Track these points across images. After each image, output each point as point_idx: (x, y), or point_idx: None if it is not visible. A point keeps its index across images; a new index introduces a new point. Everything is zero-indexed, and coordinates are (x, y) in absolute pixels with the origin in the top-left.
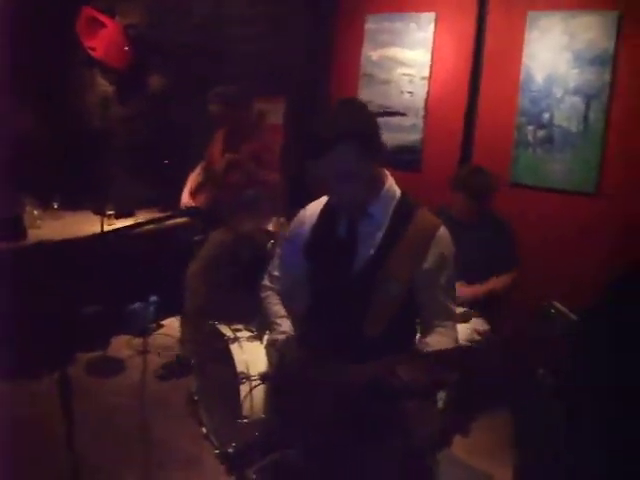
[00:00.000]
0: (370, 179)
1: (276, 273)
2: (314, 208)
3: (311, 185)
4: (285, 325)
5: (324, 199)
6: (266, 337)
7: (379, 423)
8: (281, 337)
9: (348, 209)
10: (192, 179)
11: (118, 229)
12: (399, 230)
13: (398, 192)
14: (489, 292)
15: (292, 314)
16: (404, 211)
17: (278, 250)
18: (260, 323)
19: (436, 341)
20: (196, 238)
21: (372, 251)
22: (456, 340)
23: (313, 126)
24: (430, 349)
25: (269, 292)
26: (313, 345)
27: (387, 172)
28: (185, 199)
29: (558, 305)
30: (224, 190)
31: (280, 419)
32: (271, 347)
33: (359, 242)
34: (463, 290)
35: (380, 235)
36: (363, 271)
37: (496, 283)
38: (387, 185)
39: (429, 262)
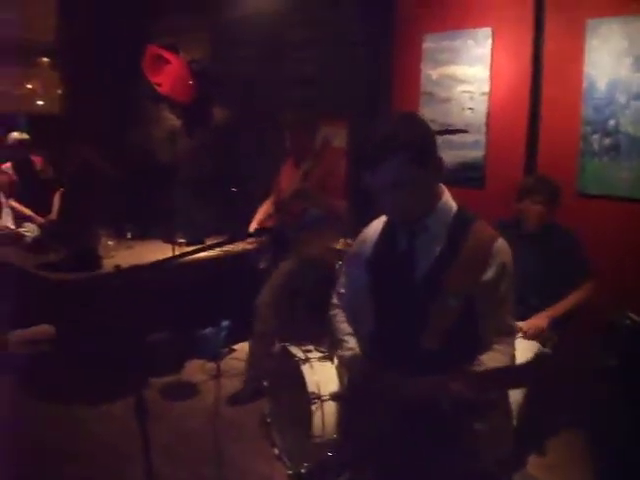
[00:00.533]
0: (426, 191)
1: (342, 291)
2: (376, 225)
3: (373, 199)
4: (352, 342)
5: (385, 217)
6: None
7: (447, 442)
8: (348, 354)
9: (403, 221)
10: (262, 210)
11: (187, 252)
12: (457, 243)
13: (455, 206)
14: (562, 314)
15: (357, 331)
16: (461, 224)
17: (343, 268)
18: (331, 343)
19: (490, 359)
20: (262, 265)
21: (430, 265)
22: (512, 357)
23: (370, 136)
24: (481, 367)
25: (337, 310)
26: (377, 360)
27: (444, 187)
28: (253, 227)
29: (633, 315)
30: (290, 215)
31: (351, 437)
32: (340, 364)
33: (418, 256)
34: (536, 319)
35: (438, 248)
36: (421, 284)
37: (569, 302)
38: (444, 199)
39: (487, 275)
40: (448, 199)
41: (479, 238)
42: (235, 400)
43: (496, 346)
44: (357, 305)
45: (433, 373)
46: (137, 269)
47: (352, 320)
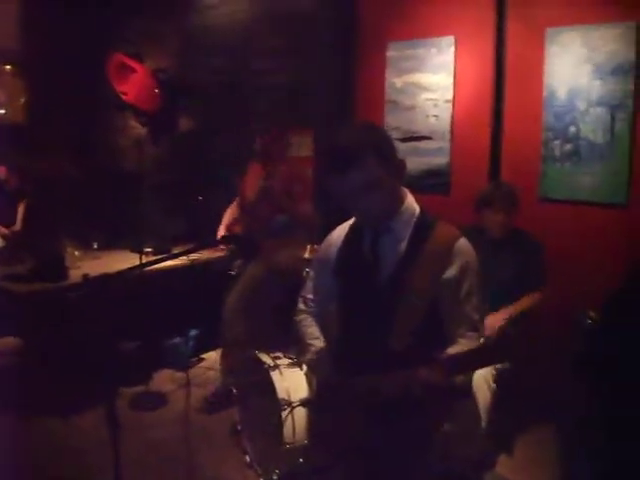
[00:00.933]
0: (392, 193)
1: (309, 296)
2: (341, 230)
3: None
4: (318, 346)
5: (351, 221)
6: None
7: (417, 444)
8: (314, 358)
9: (371, 223)
10: (228, 214)
11: (155, 260)
12: (420, 244)
13: (417, 208)
14: (519, 313)
15: (326, 334)
16: (424, 226)
17: (310, 273)
18: (299, 349)
19: (454, 350)
20: (232, 272)
21: (394, 266)
22: None
23: (335, 143)
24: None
25: (304, 315)
26: (346, 364)
27: (407, 190)
28: (221, 232)
29: (593, 314)
30: (257, 220)
31: (320, 442)
32: (307, 369)
33: (382, 258)
34: (492, 319)
35: (402, 249)
36: (387, 286)
37: (524, 303)
38: (407, 202)
39: (450, 273)
40: (411, 202)
41: (441, 238)
42: (205, 408)
43: (461, 340)
44: (325, 309)
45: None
46: (105, 278)
47: (320, 325)
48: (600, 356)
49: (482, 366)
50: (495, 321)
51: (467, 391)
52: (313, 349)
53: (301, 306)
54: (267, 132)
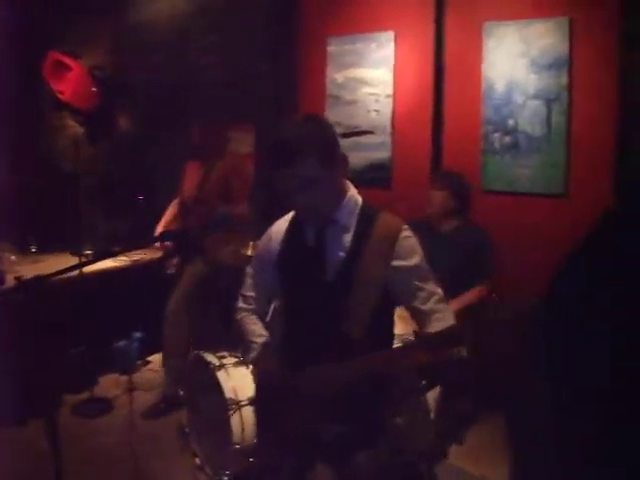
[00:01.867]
0: (334, 188)
1: (249, 293)
2: (280, 224)
3: (282, 200)
4: (262, 342)
5: (290, 215)
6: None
7: (367, 435)
8: (258, 355)
9: (314, 218)
10: (168, 212)
11: (91, 259)
12: (365, 233)
13: (360, 200)
14: (464, 306)
15: (270, 331)
16: (367, 215)
17: (249, 270)
18: (243, 348)
19: (434, 327)
20: (170, 271)
21: (342, 255)
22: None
23: (279, 139)
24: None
25: (244, 313)
26: (296, 358)
27: (349, 182)
28: (159, 230)
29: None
30: (194, 217)
31: (267, 437)
32: (252, 367)
33: (328, 249)
34: None
35: (348, 239)
36: (336, 276)
37: (470, 296)
38: (350, 193)
39: (399, 260)
40: (354, 193)
41: (386, 226)
42: (152, 413)
43: (436, 315)
44: (267, 306)
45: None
46: (39, 279)
47: (265, 321)
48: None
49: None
50: None
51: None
52: (256, 347)
53: (241, 304)
54: (204, 129)
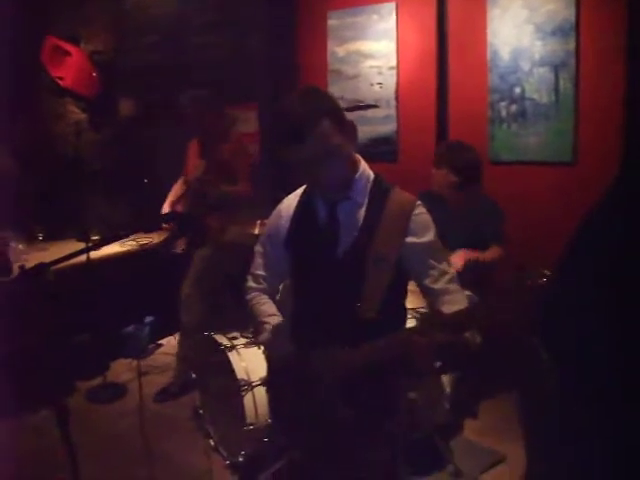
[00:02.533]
0: (348, 159)
1: (260, 272)
2: (290, 200)
3: (291, 178)
4: (274, 323)
5: (300, 191)
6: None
7: (381, 411)
8: (271, 336)
9: (331, 192)
10: (174, 191)
11: (95, 245)
12: (378, 209)
13: (372, 174)
14: (478, 261)
15: (282, 310)
16: (380, 191)
17: (258, 248)
18: (254, 328)
19: (448, 307)
20: (179, 250)
21: (356, 233)
22: (466, 301)
23: (282, 114)
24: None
25: (254, 293)
26: (309, 337)
27: (359, 156)
28: (165, 209)
29: (547, 272)
30: (199, 197)
31: (281, 419)
32: (264, 347)
33: (341, 226)
34: (455, 257)
35: (361, 216)
36: (350, 254)
37: (488, 254)
38: (361, 168)
39: (413, 236)
40: (365, 168)
41: (399, 202)
42: (165, 395)
43: (447, 297)
44: (278, 284)
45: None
46: (41, 268)
47: (274, 301)
48: (554, 317)
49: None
50: (455, 259)
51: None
52: (269, 327)
53: (251, 284)
54: (205, 108)
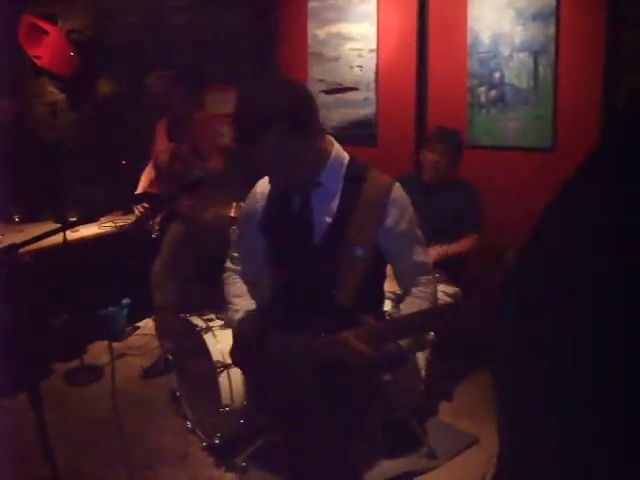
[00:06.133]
0: (312, 153)
1: (235, 254)
2: (264, 185)
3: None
4: (240, 303)
5: None
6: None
7: (353, 395)
8: (236, 316)
9: (296, 187)
10: (145, 175)
11: (63, 227)
12: (354, 194)
13: (346, 157)
14: (453, 253)
15: (256, 293)
16: (355, 174)
17: (236, 230)
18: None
19: (408, 306)
20: (154, 235)
21: (330, 219)
22: (432, 295)
23: (239, 110)
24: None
25: (229, 273)
26: (284, 321)
27: (332, 139)
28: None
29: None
30: (170, 179)
31: (255, 401)
32: (226, 327)
33: (315, 213)
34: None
35: (336, 202)
36: (325, 241)
37: (459, 246)
38: (334, 152)
39: (390, 221)
40: (339, 151)
41: (375, 186)
42: (150, 373)
43: (414, 290)
44: (252, 267)
45: (349, 328)
46: (13, 247)
47: (249, 282)
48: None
49: (419, 332)
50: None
51: (401, 360)
52: (233, 307)
53: (228, 264)
54: (169, 91)
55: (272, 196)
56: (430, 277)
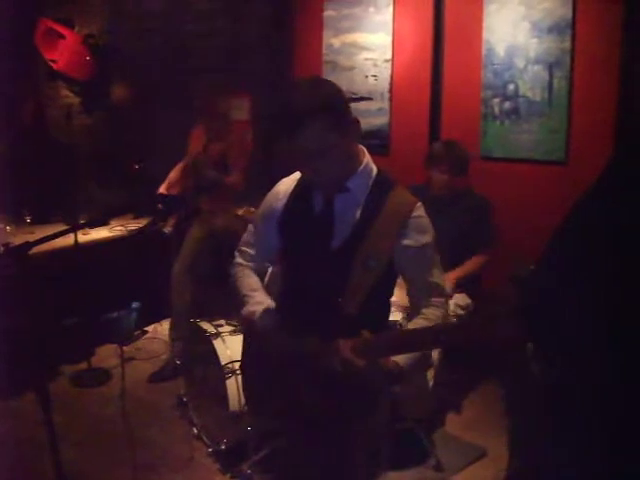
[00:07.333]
0: (346, 154)
1: (247, 249)
2: (288, 184)
3: (279, 169)
4: (260, 296)
5: (298, 174)
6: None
7: (359, 406)
8: (258, 308)
9: (325, 186)
10: (172, 175)
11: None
12: (377, 206)
13: (375, 169)
14: (466, 276)
15: (268, 289)
16: (381, 188)
17: (250, 227)
18: (236, 302)
19: (414, 325)
20: (166, 230)
21: (350, 228)
22: (440, 318)
23: (279, 104)
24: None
25: (241, 267)
26: (291, 321)
27: (364, 149)
28: (161, 191)
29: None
30: (193, 179)
31: (257, 404)
32: (248, 320)
33: (336, 218)
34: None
35: (358, 211)
36: (342, 248)
37: (471, 265)
38: (365, 161)
39: (407, 239)
40: (369, 162)
41: (399, 202)
42: (157, 377)
43: (424, 310)
44: (266, 264)
45: (351, 337)
46: (27, 246)
47: (264, 282)
48: (535, 308)
49: (417, 350)
50: (448, 283)
51: (397, 376)
52: (253, 300)
53: (238, 259)
54: (208, 94)
55: (296, 195)
56: (443, 300)
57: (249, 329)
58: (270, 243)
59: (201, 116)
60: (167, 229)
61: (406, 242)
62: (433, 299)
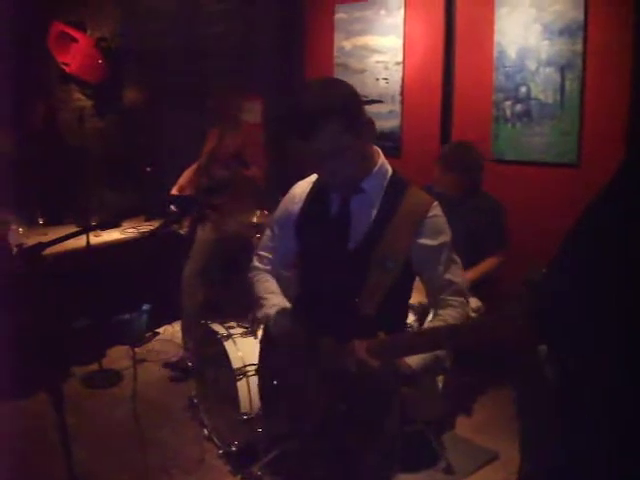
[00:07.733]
0: (361, 155)
1: (265, 253)
2: (304, 186)
3: (294, 171)
4: (276, 299)
5: (313, 177)
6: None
7: (373, 408)
8: (274, 310)
9: (340, 187)
10: (185, 175)
11: (88, 228)
12: (393, 206)
13: (390, 170)
14: (479, 277)
15: (285, 292)
16: (396, 188)
17: (267, 231)
18: (252, 318)
19: (433, 324)
20: (183, 232)
21: (367, 228)
22: (460, 319)
23: (293, 106)
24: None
25: (258, 271)
26: (308, 323)
27: (379, 150)
28: (173, 192)
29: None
30: (205, 179)
31: (273, 406)
32: (261, 324)
33: (353, 219)
34: None
35: (374, 211)
36: (358, 248)
37: (483, 268)
38: (380, 162)
39: (423, 238)
40: (384, 162)
41: (415, 201)
42: (169, 366)
43: (441, 312)
44: (283, 267)
45: (368, 338)
46: (40, 247)
47: (280, 284)
48: (548, 311)
49: (426, 351)
50: None
51: (410, 378)
52: (269, 303)
53: (256, 263)
54: (220, 96)
55: (312, 197)
56: (463, 300)
57: (266, 331)
58: (287, 247)
59: (216, 118)
60: (183, 230)
61: (423, 241)
62: (451, 299)
